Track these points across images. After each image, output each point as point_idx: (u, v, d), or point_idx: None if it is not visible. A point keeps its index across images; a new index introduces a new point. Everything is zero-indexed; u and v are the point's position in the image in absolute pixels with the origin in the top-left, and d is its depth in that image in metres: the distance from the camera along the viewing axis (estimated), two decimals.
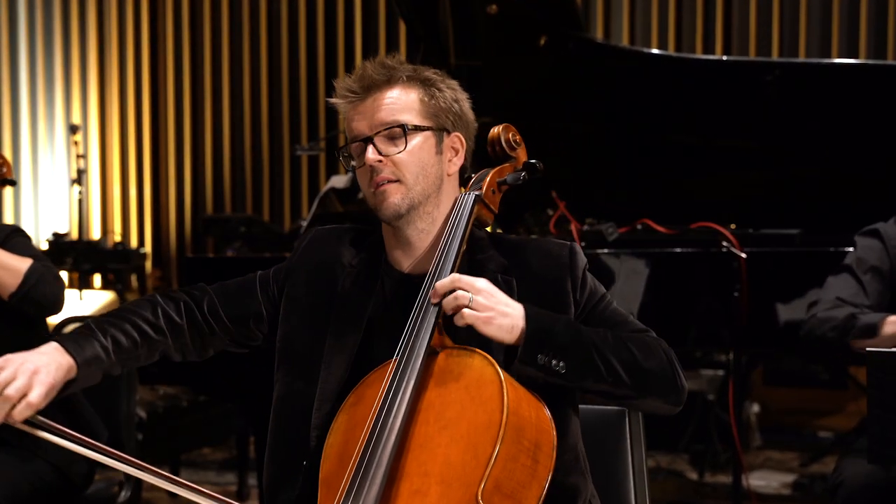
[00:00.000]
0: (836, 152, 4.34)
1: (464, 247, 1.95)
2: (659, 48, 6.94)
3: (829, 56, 6.77)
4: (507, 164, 2.07)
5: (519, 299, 1.89)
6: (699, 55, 6.70)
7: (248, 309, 2.07)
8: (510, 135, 2.08)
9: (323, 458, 1.86)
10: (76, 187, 6.91)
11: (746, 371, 5.56)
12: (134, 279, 7.30)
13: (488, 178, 2.03)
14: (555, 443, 1.80)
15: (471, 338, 1.86)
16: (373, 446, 1.76)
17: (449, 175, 2.01)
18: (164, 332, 2.02)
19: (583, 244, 3.88)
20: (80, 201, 6.99)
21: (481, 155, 2.11)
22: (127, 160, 8.28)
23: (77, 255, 6.83)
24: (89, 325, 1.96)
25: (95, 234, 8.21)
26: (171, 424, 4.24)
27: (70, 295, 2.94)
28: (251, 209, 7.97)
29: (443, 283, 1.84)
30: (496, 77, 4.17)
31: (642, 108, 4.42)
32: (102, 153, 8.29)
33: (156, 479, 1.84)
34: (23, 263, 2.79)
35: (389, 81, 1.97)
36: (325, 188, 4.98)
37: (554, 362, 1.83)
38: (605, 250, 3.92)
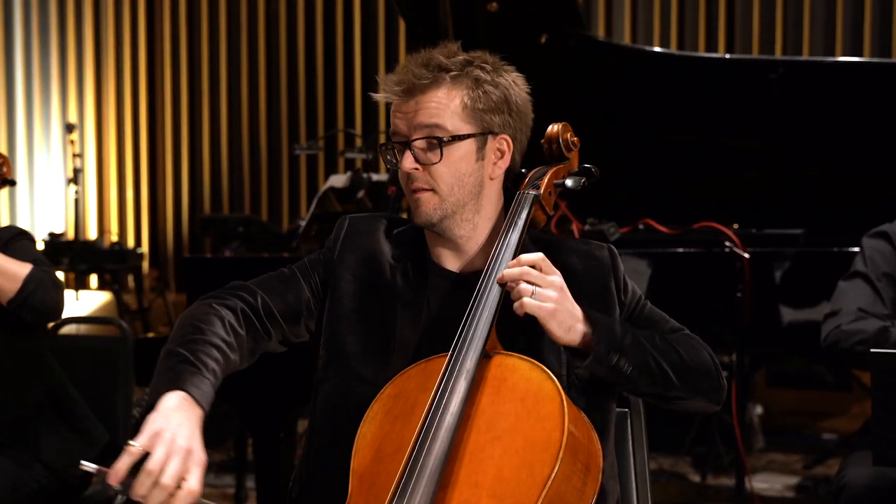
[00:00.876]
0: (841, 151, 4.34)
1: (521, 246, 1.92)
2: (661, 46, 6.94)
3: (834, 54, 6.77)
4: (562, 166, 2.04)
5: None
6: (702, 53, 6.70)
7: (298, 303, 1.99)
8: (568, 135, 2.05)
9: (355, 449, 1.81)
10: (72, 187, 6.90)
11: (749, 372, 5.55)
12: (131, 280, 7.30)
13: (546, 179, 2.00)
14: (601, 465, 1.79)
15: (525, 351, 1.83)
16: (424, 448, 1.71)
17: (492, 179, 1.98)
18: (234, 349, 1.89)
19: None
20: (77, 201, 6.99)
21: (534, 150, 2.07)
22: (124, 159, 8.28)
23: (73, 256, 6.83)
24: (191, 360, 1.79)
25: (92, 234, 8.21)
26: None
27: (66, 296, 2.92)
28: (249, 209, 7.97)
29: (512, 273, 1.81)
30: None
31: (644, 106, 4.42)
32: (99, 152, 8.29)
33: None
34: (22, 269, 2.76)
35: (432, 84, 1.92)
36: (323, 188, 4.98)
37: (623, 362, 1.82)
38: None
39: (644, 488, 2.17)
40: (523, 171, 2.04)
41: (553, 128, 2.04)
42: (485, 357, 1.80)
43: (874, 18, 6.75)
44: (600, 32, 7.06)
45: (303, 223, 4.84)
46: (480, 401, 1.77)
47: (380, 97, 1.97)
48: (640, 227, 4.10)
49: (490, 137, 1.95)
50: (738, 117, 4.38)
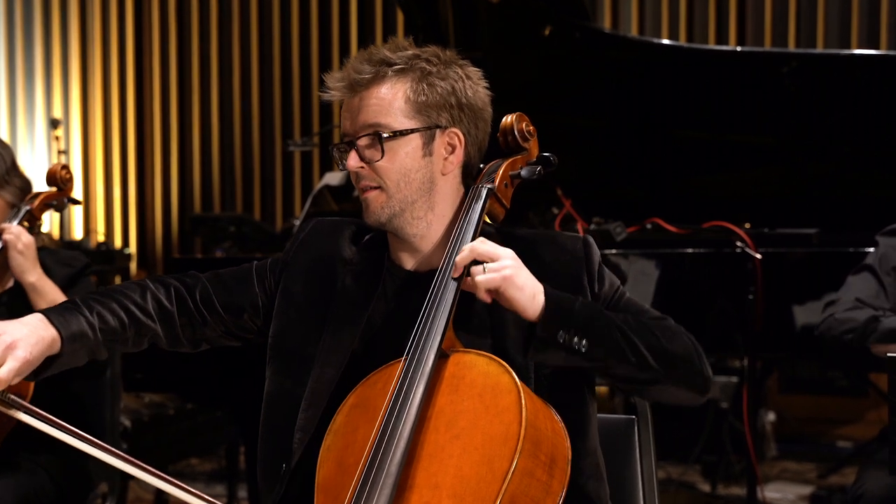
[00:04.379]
0: (856, 148, 4.34)
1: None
2: (669, 38, 6.94)
3: (849, 47, 6.77)
4: (519, 157, 2.05)
5: None
6: (712, 46, 6.70)
7: (243, 299, 2.06)
8: (524, 125, 2.05)
9: (320, 462, 1.83)
10: None
11: (761, 378, 5.55)
12: (118, 281, 7.30)
13: (501, 171, 2.01)
14: (569, 456, 1.78)
15: (491, 352, 1.84)
16: (381, 453, 1.73)
17: (444, 174, 1.98)
18: (152, 316, 1.99)
19: None
20: None
21: (491, 144, 2.08)
22: (111, 156, 8.28)
23: None
24: (74, 301, 1.93)
25: (78, 233, 8.21)
26: (157, 433, 4.23)
27: None
28: (241, 208, 7.98)
29: (462, 256, 1.82)
30: (498, 69, 4.16)
31: (652, 101, 4.42)
32: (85, 149, 8.30)
33: (118, 462, 1.82)
34: None
35: (374, 79, 1.94)
36: (318, 185, 4.99)
37: (576, 339, 1.80)
38: (613, 251, 3.92)
39: (651, 498, 2.17)
40: (481, 165, 2.05)
41: (507, 119, 2.05)
42: (442, 356, 1.82)
43: (891, 9, 6.75)
44: (606, 24, 7.06)
45: (297, 222, 4.84)
46: (439, 401, 1.79)
47: (326, 96, 2.00)
48: (648, 226, 4.10)
49: (438, 132, 1.96)
50: (750, 112, 4.39)
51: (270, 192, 7.96)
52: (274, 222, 7.79)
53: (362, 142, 1.95)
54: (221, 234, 6.07)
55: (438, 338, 1.81)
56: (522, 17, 4.22)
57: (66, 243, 7.16)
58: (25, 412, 1.82)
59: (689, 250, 3.98)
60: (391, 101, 1.94)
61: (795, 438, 6.02)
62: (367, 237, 2.08)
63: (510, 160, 2.04)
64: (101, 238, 7.98)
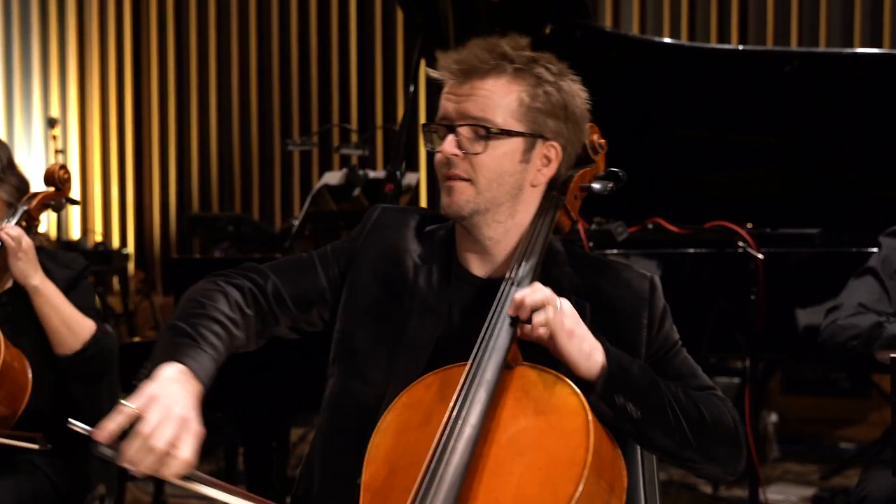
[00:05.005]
0: (859, 147, 4.34)
1: (544, 253, 1.91)
2: (671, 37, 6.94)
3: (852, 45, 6.77)
4: (588, 169, 2.03)
5: (590, 327, 1.84)
6: (714, 44, 6.70)
7: (312, 291, 1.99)
8: (595, 137, 2.04)
9: (367, 460, 1.78)
10: None
11: (764, 378, 5.55)
12: (116, 281, 7.30)
13: (572, 183, 1.99)
14: (626, 485, 1.77)
15: (548, 365, 1.81)
16: (443, 462, 1.69)
17: (534, 186, 1.95)
18: (239, 326, 1.90)
19: (590, 244, 3.88)
20: None
21: None
22: (108, 155, 8.28)
23: None
24: (191, 334, 1.80)
25: (75, 233, 8.21)
26: None
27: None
28: (240, 207, 7.97)
29: (520, 297, 1.78)
30: None
31: (653, 100, 4.42)
32: (82, 148, 8.29)
33: None
34: (85, 328, 2.79)
35: (493, 71, 1.89)
36: (317, 185, 4.99)
37: (630, 406, 1.78)
38: (614, 251, 3.92)
39: (653, 500, 2.16)
40: None
41: None
42: (506, 368, 1.78)
43: (894, 8, 6.75)
44: (607, 23, 7.06)
45: (296, 222, 4.84)
46: (501, 414, 1.75)
47: (435, 74, 1.94)
48: (650, 226, 4.10)
49: (540, 141, 1.93)
50: (752, 112, 4.38)
51: (269, 192, 7.96)
52: (273, 222, 7.79)
53: (465, 131, 1.89)
54: (220, 233, 6.07)
55: (504, 348, 1.78)
56: (523, 15, 4.21)
57: (63, 243, 7.16)
58: (207, 484, 1.69)
59: (691, 250, 3.98)
60: (504, 97, 1.89)
61: (798, 440, 6.02)
62: (433, 232, 2.03)
63: (580, 172, 2.02)
64: (98, 238, 7.98)
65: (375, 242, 2.02)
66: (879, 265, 2.98)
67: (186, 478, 1.64)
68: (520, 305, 1.78)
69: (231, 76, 7.99)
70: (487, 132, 1.88)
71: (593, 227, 4.06)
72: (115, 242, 8.18)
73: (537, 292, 1.78)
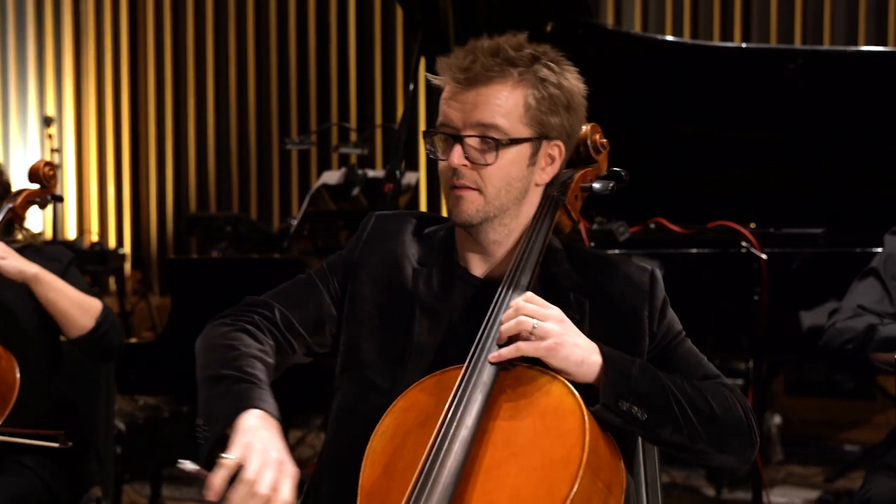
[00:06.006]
0: (864, 146, 4.34)
1: (543, 254, 1.91)
2: (673, 35, 6.94)
3: (856, 43, 6.77)
4: (589, 169, 2.03)
5: (591, 323, 1.86)
6: (716, 42, 6.70)
7: (320, 311, 2.00)
8: (597, 136, 2.04)
9: (364, 464, 1.80)
10: None
11: (767, 380, 5.55)
12: (112, 282, 7.30)
13: (573, 183, 1.99)
14: (624, 484, 1.77)
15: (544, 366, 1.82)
16: (437, 465, 1.71)
17: (538, 185, 1.96)
18: (270, 355, 1.93)
19: (592, 244, 3.88)
20: None
21: None
22: (105, 154, 8.28)
23: None
24: (245, 378, 1.84)
25: (71, 233, 8.21)
26: (151, 437, 4.24)
27: None
28: (237, 207, 7.97)
29: (507, 314, 1.80)
30: None
31: (656, 99, 4.42)
32: (78, 147, 8.29)
33: None
34: (95, 304, 2.83)
35: (499, 78, 1.88)
36: (316, 185, 4.99)
37: (636, 409, 1.78)
38: (616, 251, 3.92)
39: (655, 503, 2.17)
40: None
41: (582, 128, 2.02)
42: (503, 369, 1.79)
43: None
44: (609, 20, 7.06)
45: (294, 222, 4.85)
46: (497, 415, 1.76)
47: (438, 81, 1.93)
48: (652, 226, 4.10)
49: (545, 142, 1.93)
50: (755, 110, 4.39)
51: (267, 192, 7.96)
52: (271, 222, 7.79)
53: (472, 141, 1.88)
54: (217, 233, 6.07)
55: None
56: (524, 13, 4.22)
57: (59, 243, 7.15)
58: None
59: (693, 250, 3.98)
60: (513, 105, 1.88)
61: (801, 442, 6.02)
62: (432, 234, 2.04)
63: (581, 171, 2.02)
64: (94, 238, 7.98)
65: (374, 251, 2.02)
66: (881, 265, 2.98)
67: None
68: (499, 337, 1.80)
69: (229, 74, 7.99)
70: (498, 143, 1.88)
71: (595, 226, 4.06)
72: (112, 242, 8.17)
73: (511, 321, 1.79)
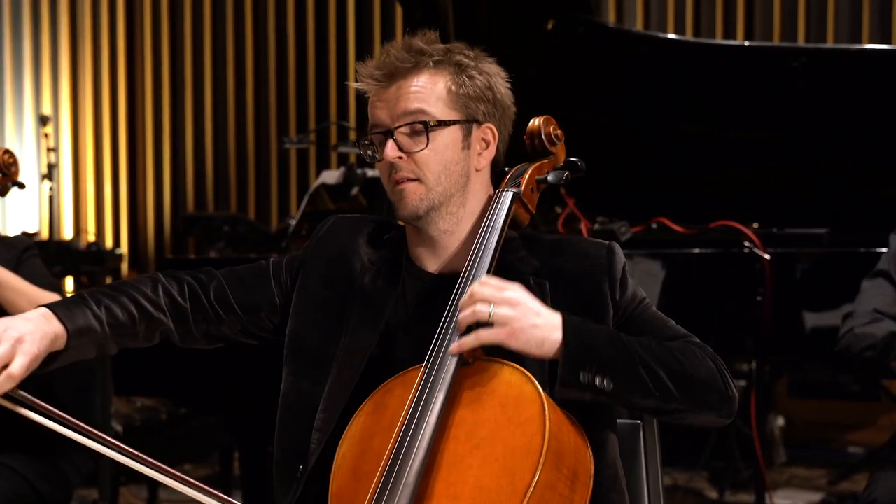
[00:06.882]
0: (868, 145, 4.34)
1: (499, 248, 1.93)
2: (675, 33, 6.94)
3: (860, 41, 6.77)
4: (546, 161, 2.06)
5: (553, 304, 1.87)
6: (719, 40, 6.71)
7: (260, 297, 2.07)
8: (551, 128, 2.06)
9: (334, 471, 1.84)
10: (46, 183, 6.91)
11: (770, 381, 5.56)
12: (109, 282, 7.29)
13: (527, 175, 2.01)
14: (591, 470, 1.79)
15: (505, 352, 1.83)
16: (399, 463, 1.74)
17: (478, 170, 2.01)
18: (164, 311, 2.01)
19: None
20: (51, 198, 6.99)
21: (516, 147, 2.09)
22: (101, 153, 8.28)
23: (48, 257, 6.82)
24: (82, 295, 1.94)
25: (67, 233, 8.21)
26: (149, 439, 4.24)
27: None
28: (235, 207, 7.97)
29: (462, 301, 1.82)
30: (499, 64, 4.18)
31: (657, 97, 4.42)
32: (75, 146, 8.29)
33: (139, 465, 1.83)
34: (48, 299, 2.80)
35: (415, 68, 1.95)
36: (315, 184, 4.98)
37: (598, 379, 1.79)
38: None
39: None
40: (506, 168, 2.06)
41: (534, 122, 2.06)
42: (464, 364, 1.81)
43: None
44: (611, 18, 7.06)
45: (293, 222, 4.84)
46: (459, 410, 1.79)
47: (358, 85, 2.00)
48: (654, 226, 4.10)
49: (475, 126, 1.99)
50: (758, 109, 4.39)
51: (266, 191, 7.96)
52: (269, 222, 7.79)
53: (402, 130, 1.95)
54: (215, 233, 6.07)
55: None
56: (524, 11, 4.22)
57: (55, 244, 7.15)
58: (34, 409, 1.81)
59: (696, 250, 3.98)
60: (433, 89, 1.96)
61: (805, 444, 6.02)
62: (388, 238, 2.09)
63: (537, 164, 2.04)
64: (91, 238, 7.98)
65: (326, 248, 2.09)
66: (890, 264, 2.98)
67: (12, 398, 1.79)
68: (458, 327, 1.82)
69: (227, 72, 7.98)
70: (425, 126, 1.94)
71: (596, 226, 4.07)
72: (109, 242, 8.17)
73: (467, 309, 1.80)
